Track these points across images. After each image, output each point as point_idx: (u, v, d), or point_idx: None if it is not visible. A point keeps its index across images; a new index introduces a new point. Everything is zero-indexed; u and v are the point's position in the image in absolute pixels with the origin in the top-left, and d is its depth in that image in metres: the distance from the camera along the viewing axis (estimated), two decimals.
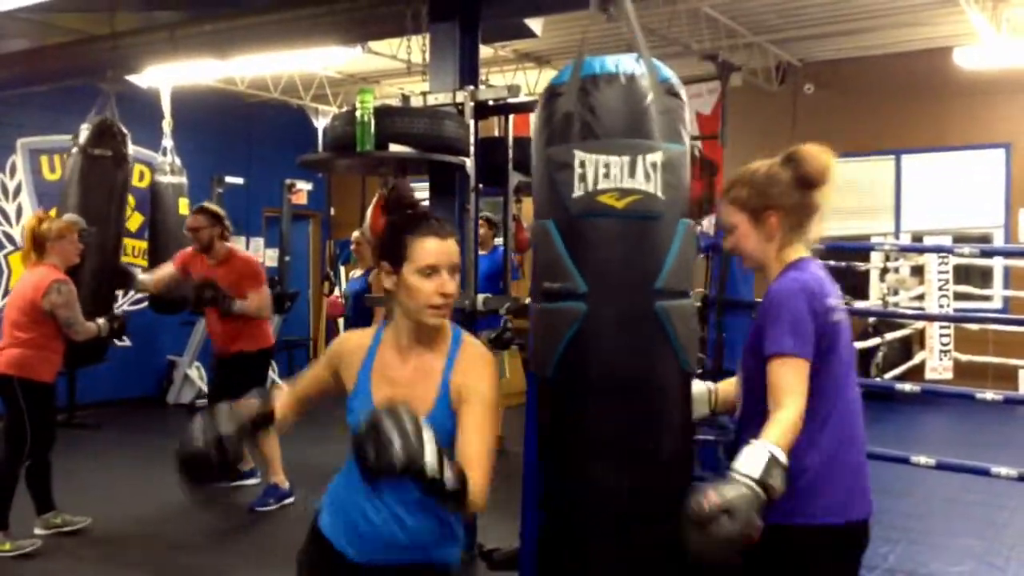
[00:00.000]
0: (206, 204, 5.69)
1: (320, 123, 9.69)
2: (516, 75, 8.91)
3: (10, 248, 8.27)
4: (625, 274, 2.11)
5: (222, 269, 5.30)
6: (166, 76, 6.95)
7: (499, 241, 6.63)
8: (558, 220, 2.15)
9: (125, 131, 5.90)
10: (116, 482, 6.09)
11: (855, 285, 8.91)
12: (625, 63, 2.14)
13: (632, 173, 2.08)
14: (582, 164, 2.11)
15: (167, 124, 7.30)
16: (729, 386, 2.33)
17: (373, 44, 7.41)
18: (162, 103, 7.33)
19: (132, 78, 6.73)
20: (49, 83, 6.73)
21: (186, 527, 4.91)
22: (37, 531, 4.62)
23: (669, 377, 2.13)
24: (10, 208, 8.38)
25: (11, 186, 8.42)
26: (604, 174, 2.09)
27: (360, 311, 6.10)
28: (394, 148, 3.79)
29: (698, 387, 2.32)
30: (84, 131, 5.78)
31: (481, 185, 4.18)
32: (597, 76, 2.13)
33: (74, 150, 5.80)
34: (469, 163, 4.07)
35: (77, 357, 5.24)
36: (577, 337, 2.10)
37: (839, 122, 9.12)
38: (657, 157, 2.10)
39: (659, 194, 2.10)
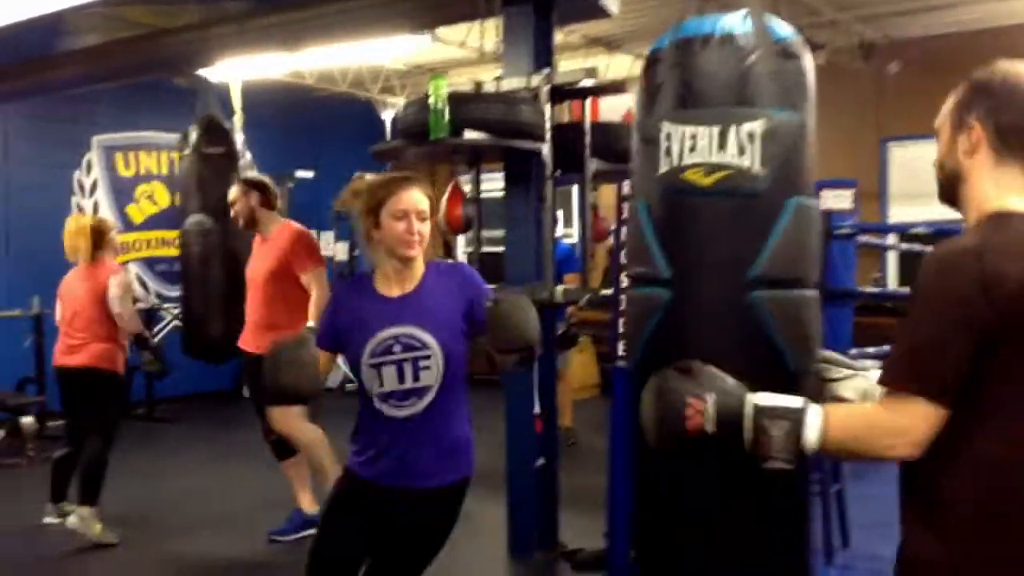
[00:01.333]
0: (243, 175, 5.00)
1: (387, 115, 9.63)
2: (585, 62, 8.70)
3: None
4: (714, 260, 1.91)
5: (269, 245, 4.36)
6: (235, 70, 6.93)
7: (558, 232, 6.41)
8: (646, 200, 1.99)
9: (228, 126, 5.92)
10: (193, 475, 6.09)
11: None
12: (727, 22, 1.93)
13: (722, 145, 1.89)
14: (668, 137, 1.93)
15: (238, 119, 7.28)
16: None
17: (441, 33, 7.29)
18: (232, 98, 7.32)
19: (202, 72, 6.72)
20: (121, 79, 6.76)
21: (264, 519, 4.80)
22: (47, 520, 4.73)
23: (763, 377, 1.90)
24: (87, 204, 8.49)
25: (87, 183, 8.55)
26: (690, 148, 1.90)
27: None
28: (469, 135, 3.66)
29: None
30: (193, 131, 5.77)
31: (558, 172, 4.03)
32: (692, 38, 1.94)
33: (186, 152, 5.79)
34: (546, 149, 3.91)
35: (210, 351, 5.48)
36: (661, 326, 1.94)
37: (927, 102, 8.52)
38: (756, 126, 1.89)
39: (756, 169, 1.88)
